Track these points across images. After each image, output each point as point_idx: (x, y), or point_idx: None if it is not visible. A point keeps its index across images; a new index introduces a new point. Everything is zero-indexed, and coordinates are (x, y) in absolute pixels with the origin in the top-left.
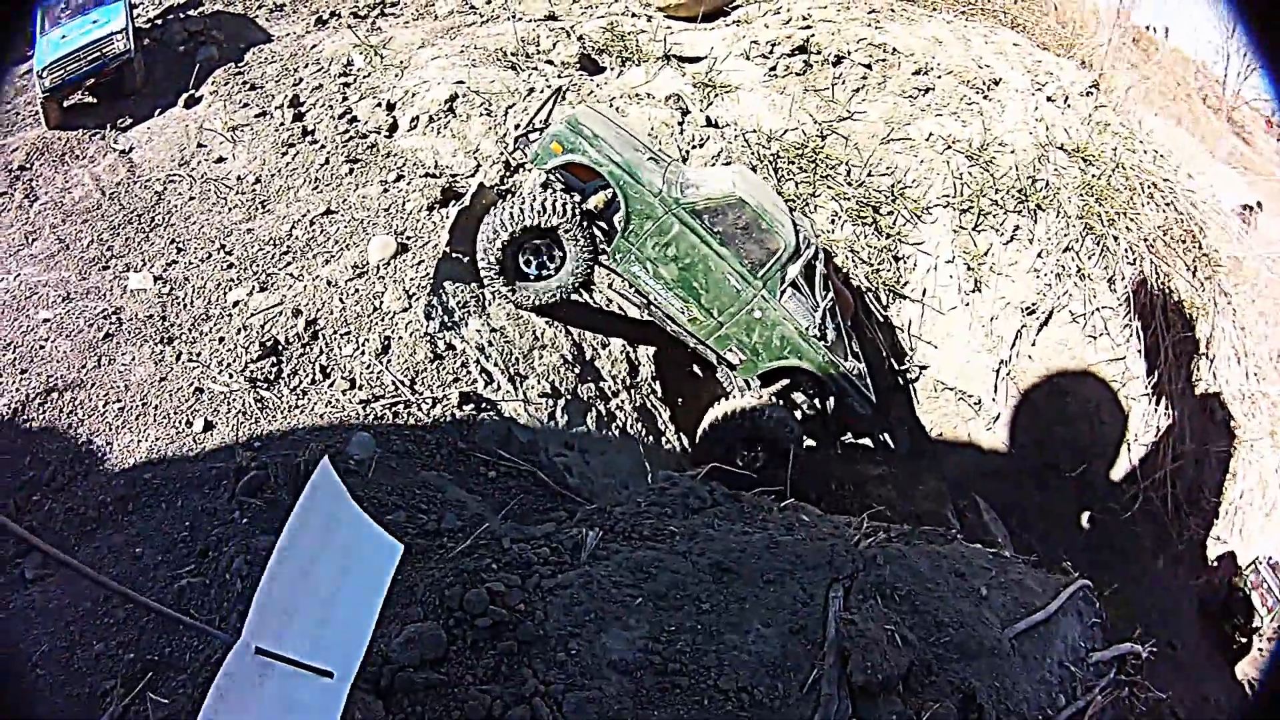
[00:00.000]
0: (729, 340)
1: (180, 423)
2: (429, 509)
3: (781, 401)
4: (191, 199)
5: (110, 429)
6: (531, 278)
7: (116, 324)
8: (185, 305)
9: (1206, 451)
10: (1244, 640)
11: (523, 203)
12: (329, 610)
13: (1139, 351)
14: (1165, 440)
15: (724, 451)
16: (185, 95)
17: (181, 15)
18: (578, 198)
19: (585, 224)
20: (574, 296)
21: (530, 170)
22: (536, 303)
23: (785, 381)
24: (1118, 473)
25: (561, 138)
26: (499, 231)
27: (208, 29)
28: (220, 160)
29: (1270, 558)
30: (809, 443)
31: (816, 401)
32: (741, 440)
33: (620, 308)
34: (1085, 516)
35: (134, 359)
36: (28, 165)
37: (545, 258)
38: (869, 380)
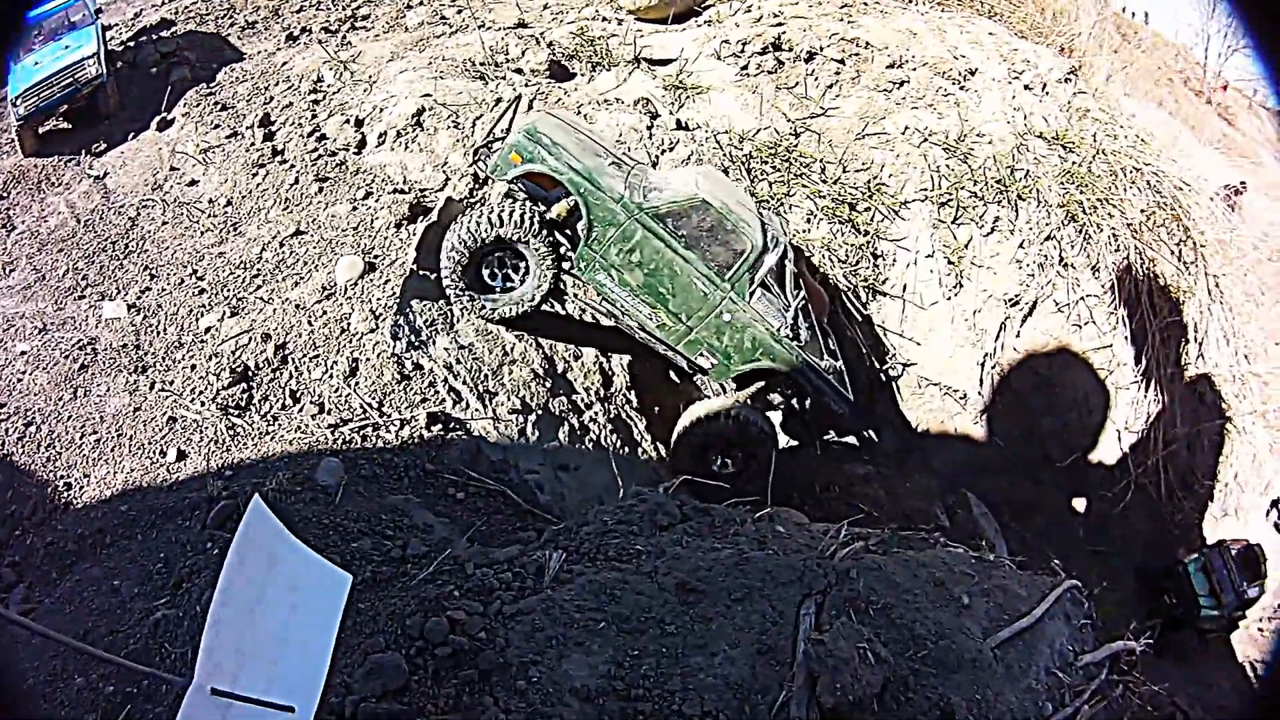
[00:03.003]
0: (699, 345)
1: (154, 453)
2: (395, 535)
3: (757, 404)
4: (164, 224)
5: (87, 461)
6: (496, 290)
7: (92, 355)
8: (158, 333)
9: (1198, 434)
10: (1178, 618)
11: (480, 215)
12: (282, 647)
13: (1126, 338)
14: (1156, 425)
15: (699, 458)
16: (158, 118)
17: (154, 37)
18: (539, 208)
19: (547, 234)
20: (544, 307)
21: (497, 183)
22: (502, 316)
23: (761, 384)
24: (1109, 461)
25: (520, 147)
26: (459, 246)
27: (180, 50)
28: (193, 183)
29: (1236, 545)
30: (789, 443)
31: (794, 402)
32: (716, 445)
33: (594, 316)
34: (1079, 505)
35: (109, 390)
36: (4, 194)
37: (509, 269)
38: (846, 378)
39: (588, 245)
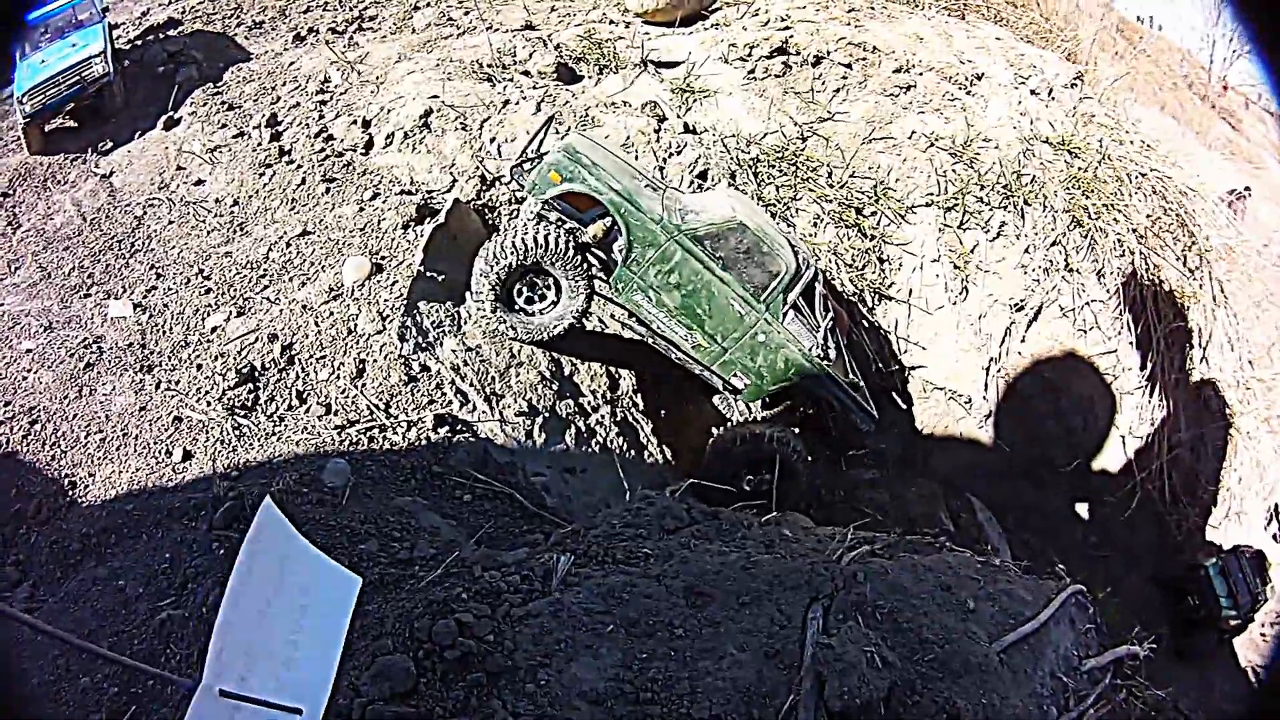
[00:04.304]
0: (734, 365)
1: (160, 453)
2: (402, 537)
3: (782, 422)
4: (171, 223)
5: (92, 460)
6: (525, 312)
7: (97, 353)
8: (164, 332)
9: (1202, 440)
10: (1200, 619)
11: (517, 236)
12: (291, 649)
13: (1131, 343)
14: (1160, 431)
15: (730, 477)
16: (165, 117)
17: (161, 36)
18: (572, 230)
19: (580, 257)
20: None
21: (508, 189)
22: (535, 339)
23: (788, 402)
24: (1113, 466)
25: (560, 166)
26: (494, 265)
27: (187, 49)
28: (199, 182)
29: (1248, 548)
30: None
31: (812, 414)
32: (747, 464)
33: (603, 323)
34: (1083, 510)
35: (114, 388)
36: (10, 192)
37: (539, 292)
38: (868, 396)
39: (626, 266)
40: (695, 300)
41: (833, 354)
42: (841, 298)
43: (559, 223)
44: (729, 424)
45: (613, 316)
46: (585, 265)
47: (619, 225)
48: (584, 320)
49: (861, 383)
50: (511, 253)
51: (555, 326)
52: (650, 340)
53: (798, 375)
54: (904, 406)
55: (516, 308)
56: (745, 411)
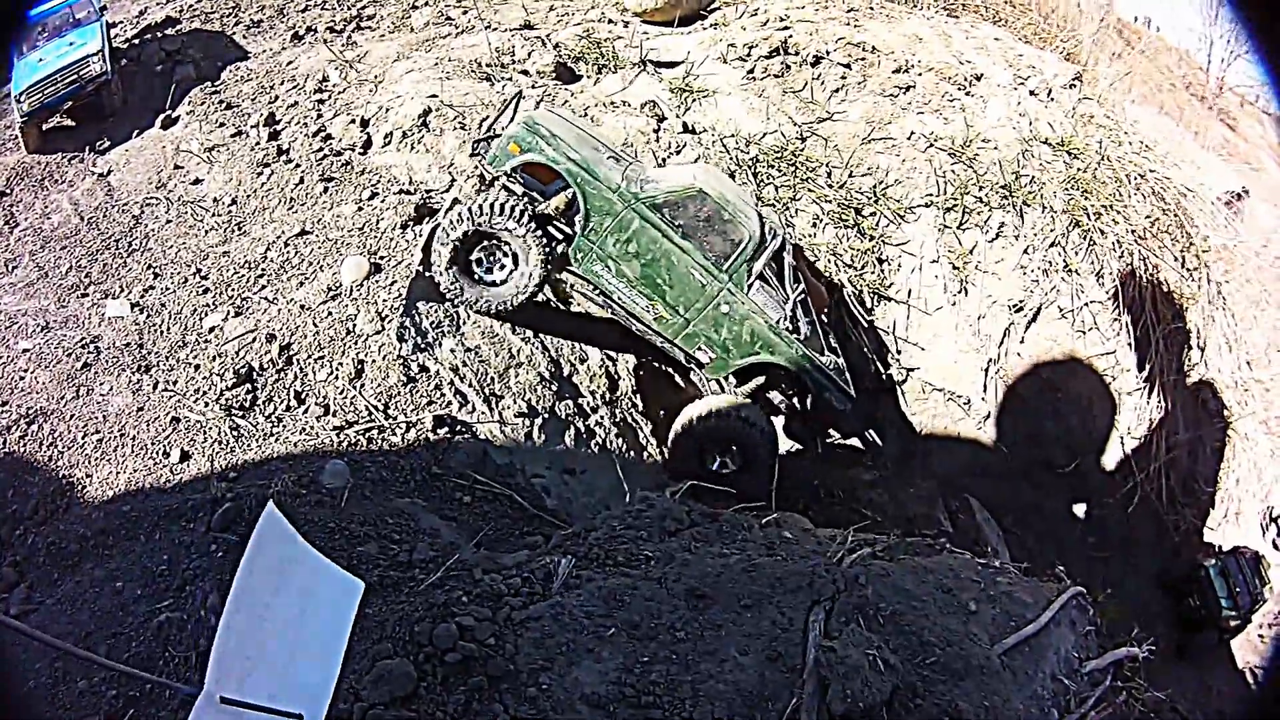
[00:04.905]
0: (697, 337)
1: (157, 453)
2: (401, 539)
3: (757, 402)
4: (169, 222)
5: (89, 460)
6: (486, 282)
7: (95, 353)
8: (162, 332)
9: (1200, 441)
10: (1201, 619)
11: (472, 203)
12: (292, 654)
13: (1129, 344)
14: (1159, 432)
15: (697, 457)
16: (163, 116)
17: (158, 35)
18: (521, 199)
19: (535, 224)
20: (552, 304)
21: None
22: (498, 310)
23: (760, 379)
24: (1112, 466)
25: (519, 138)
26: (443, 237)
27: (185, 48)
28: (197, 181)
29: (1247, 549)
30: (793, 445)
31: (795, 401)
32: (713, 444)
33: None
34: (1081, 510)
35: (112, 389)
36: (7, 191)
37: (497, 261)
38: (847, 374)
39: (584, 236)
40: (655, 270)
41: (804, 328)
42: (838, 286)
43: (522, 195)
44: (694, 400)
45: (573, 288)
46: (544, 236)
47: (578, 195)
48: (560, 300)
49: (841, 360)
50: (464, 219)
51: (512, 298)
52: (612, 313)
53: (764, 348)
54: (903, 407)
55: (475, 277)
56: (718, 389)
